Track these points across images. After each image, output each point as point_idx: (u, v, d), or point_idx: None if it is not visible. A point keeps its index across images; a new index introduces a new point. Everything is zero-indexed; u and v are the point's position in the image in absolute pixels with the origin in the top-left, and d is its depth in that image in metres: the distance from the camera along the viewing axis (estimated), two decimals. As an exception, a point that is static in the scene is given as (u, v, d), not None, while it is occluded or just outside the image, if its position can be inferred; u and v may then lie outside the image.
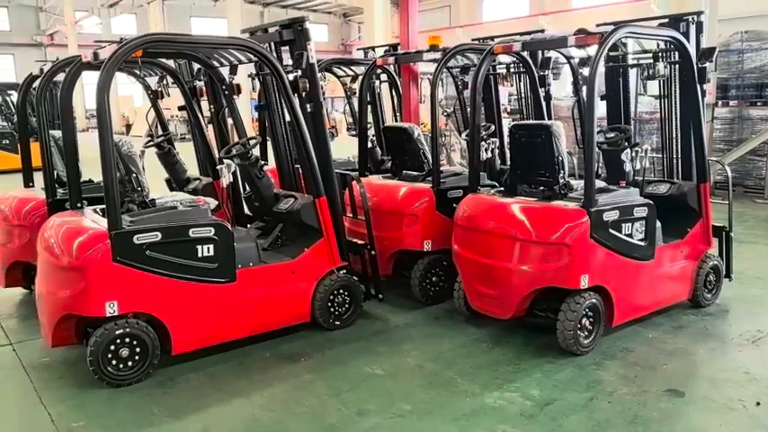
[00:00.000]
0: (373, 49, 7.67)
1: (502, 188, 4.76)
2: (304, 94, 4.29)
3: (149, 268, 3.67)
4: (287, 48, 4.56)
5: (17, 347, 4.37)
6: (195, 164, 6.09)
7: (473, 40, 5.86)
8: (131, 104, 34.16)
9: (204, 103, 5.56)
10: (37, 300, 4.01)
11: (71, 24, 33.46)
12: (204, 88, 5.44)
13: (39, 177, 5.30)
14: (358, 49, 7.81)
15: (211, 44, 4.21)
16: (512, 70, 6.19)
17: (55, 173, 5.07)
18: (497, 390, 3.61)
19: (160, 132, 5.97)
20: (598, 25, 4.62)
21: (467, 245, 4.41)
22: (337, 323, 4.50)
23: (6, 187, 5.75)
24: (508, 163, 5.86)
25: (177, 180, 5.89)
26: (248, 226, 5.06)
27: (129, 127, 30.03)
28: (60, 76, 4.93)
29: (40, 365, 4.05)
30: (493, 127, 6.03)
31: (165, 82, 5.80)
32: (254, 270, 4.14)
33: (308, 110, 4.40)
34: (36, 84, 5.30)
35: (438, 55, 5.33)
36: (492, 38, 6.08)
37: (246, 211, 5.33)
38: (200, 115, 5.39)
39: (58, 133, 5.13)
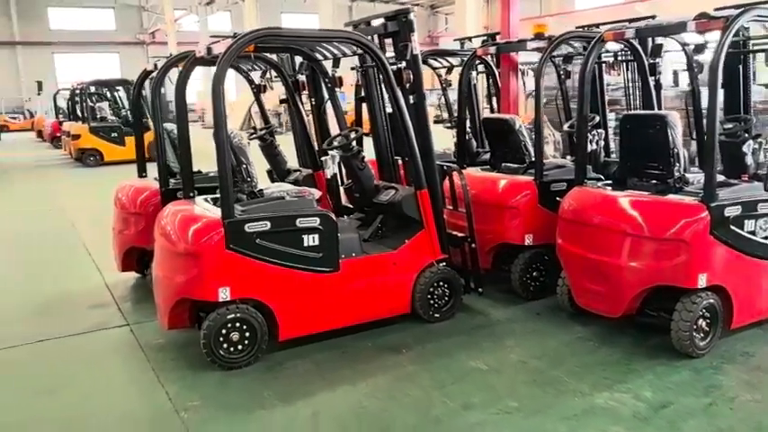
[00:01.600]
0: (470, 39, 7.56)
1: (609, 181, 4.58)
2: (408, 85, 4.28)
3: (259, 256, 3.79)
4: (389, 40, 4.58)
5: (134, 328, 4.63)
6: (294, 155, 6.24)
7: (577, 28, 5.64)
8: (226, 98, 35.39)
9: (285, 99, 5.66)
10: (154, 284, 4.23)
11: (171, 23, 35.05)
12: (306, 82, 5.55)
13: (150, 168, 5.59)
14: (454, 40, 7.71)
15: (320, 38, 4.28)
16: (619, 58, 5.92)
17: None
18: (607, 390, 3.48)
19: (260, 125, 6.14)
20: (717, 9, 4.33)
21: (573, 239, 4.28)
22: (437, 316, 4.48)
23: (116, 178, 6.11)
24: (613, 155, 5.65)
25: (278, 171, 6.04)
26: (348, 217, 5.13)
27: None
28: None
29: (156, 346, 4.27)
30: (597, 118, 5.80)
31: (267, 76, 5.96)
32: (356, 260, 4.19)
33: (411, 101, 4.39)
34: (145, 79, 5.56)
35: (542, 44, 5.18)
36: (596, 25, 5.84)
37: (344, 201, 5.41)
38: (301, 108, 5.51)
39: (169, 126, 5.38)
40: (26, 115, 36.01)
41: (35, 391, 3.71)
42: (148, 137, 6.11)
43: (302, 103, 5.57)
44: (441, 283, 4.49)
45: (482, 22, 12.85)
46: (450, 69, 7.31)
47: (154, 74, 5.52)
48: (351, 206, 5.32)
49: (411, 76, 4.27)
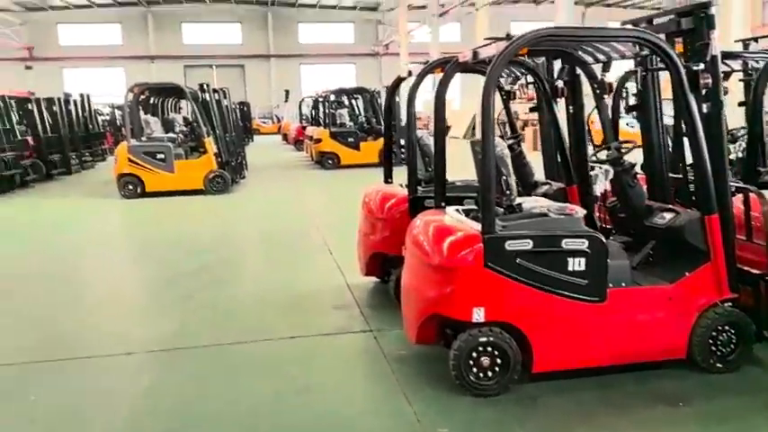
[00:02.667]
0: (756, 39, 6.49)
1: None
2: (704, 91, 3.64)
3: (518, 277, 3.45)
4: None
5: (377, 335, 4.59)
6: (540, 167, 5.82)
7: None
8: (450, 107, 36.14)
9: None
10: (402, 294, 4.13)
11: (404, 34, 36.61)
12: (565, 88, 5.11)
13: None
14: (736, 41, 6.68)
15: (604, 37, 3.83)
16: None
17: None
18: None
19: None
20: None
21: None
22: (719, 365, 3.75)
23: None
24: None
25: (525, 183, 5.67)
26: (609, 239, 4.58)
27: (447, 128, 31.66)
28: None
29: (399, 358, 4.16)
30: None
31: (520, 82, 5.64)
32: (625, 291, 3.66)
33: (704, 110, 3.73)
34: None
35: None
36: None
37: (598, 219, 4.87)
38: (558, 117, 5.08)
39: (419, 133, 5.31)
40: (274, 120, 40.26)
41: (295, 389, 3.79)
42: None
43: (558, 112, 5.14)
44: (726, 327, 3.75)
45: (749, 22, 11.15)
46: (726, 76, 6.31)
47: (409, 79, 5.52)
48: (610, 227, 4.76)
49: (709, 81, 3.62)
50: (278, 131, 36.87)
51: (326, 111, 17.96)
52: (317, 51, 42.19)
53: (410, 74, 5.52)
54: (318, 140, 17.08)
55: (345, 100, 20.10)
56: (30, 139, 15.25)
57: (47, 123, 16.05)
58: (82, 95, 19.49)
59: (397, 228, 4.99)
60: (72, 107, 17.76)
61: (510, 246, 3.45)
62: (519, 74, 5.47)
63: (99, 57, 39.97)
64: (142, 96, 13.49)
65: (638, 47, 3.91)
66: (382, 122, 17.31)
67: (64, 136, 16.54)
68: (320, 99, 19.81)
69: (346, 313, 5.09)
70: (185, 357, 4.34)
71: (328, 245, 7.52)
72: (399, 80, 5.84)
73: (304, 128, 23.53)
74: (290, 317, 5.08)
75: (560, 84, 5.15)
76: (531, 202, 4.04)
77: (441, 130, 4.56)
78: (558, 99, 5.16)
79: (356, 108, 19.69)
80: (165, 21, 40.40)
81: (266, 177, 15.35)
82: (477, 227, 3.58)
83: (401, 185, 5.59)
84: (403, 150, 17.30)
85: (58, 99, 16.88)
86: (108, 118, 24.99)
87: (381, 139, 17.39)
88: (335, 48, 42.37)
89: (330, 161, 16.73)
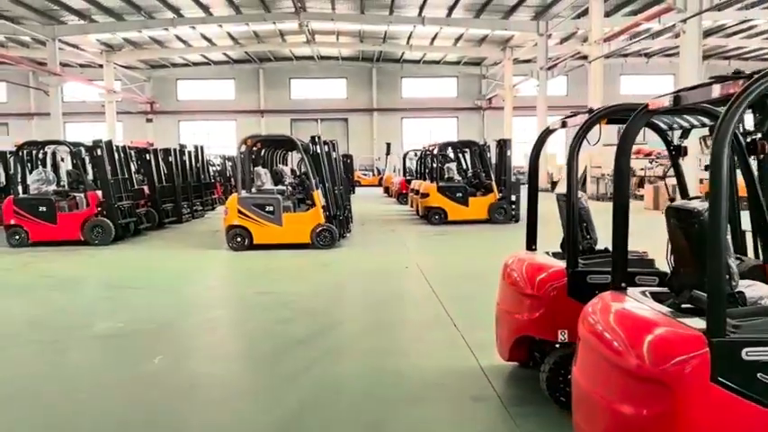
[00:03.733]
0: None
1: None
2: None
3: (763, 400, 2.51)
4: None
5: None
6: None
7: None
8: (555, 161, 34.90)
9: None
10: (577, 398, 3.24)
11: (509, 88, 36.06)
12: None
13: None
14: None
15: None
16: None
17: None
18: None
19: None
20: None
21: None
22: None
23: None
24: None
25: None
26: None
27: (554, 184, 30.44)
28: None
29: None
30: None
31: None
32: None
33: None
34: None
35: None
36: None
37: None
38: (755, 177, 4.10)
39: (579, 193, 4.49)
40: (374, 172, 40.45)
41: None
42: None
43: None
44: None
45: None
46: None
47: (558, 130, 4.75)
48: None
49: None
50: (378, 183, 36.90)
51: (434, 164, 17.43)
52: (419, 105, 42.39)
53: (564, 125, 4.74)
54: (426, 195, 16.50)
55: (451, 153, 19.55)
56: (146, 188, 15.65)
57: (162, 173, 16.49)
58: (196, 147, 20.08)
59: (553, 308, 4.16)
60: (186, 158, 18.24)
61: (749, 354, 2.52)
62: (694, 124, 4.55)
63: (213, 110, 42.09)
64: (254, 148, 13.47)
65: None
66: (492, 177, 16.56)
67: (177, 186, 16.91)
68: (427, 152, 19.36)
69: (487, 408, 4.24)
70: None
71: (450, 314, 6.71)
72: (548, 132, 5.05)
73: (408, 181, 23.13)
74: (419, 408, 4.29)
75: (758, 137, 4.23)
76: (757, 290, 3.09)
77: (623, 193, 3.67)
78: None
79: (464, 162, 19.05)
80: (274, 77, 42.08)
81: (372, 231, 14.86)
82: (690, 322, 2.69)
83: (548, 254, 4.77)
84: (513, 207, 16.47)
85: (174, 150, 17.37)
86: (218, 168, 25.74)
87: (491, 195, 16.66)
88: (437, 102, 42.41)
89: (437, 216, 16.06)
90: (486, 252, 11.52)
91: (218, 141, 40.53)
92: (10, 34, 29.67)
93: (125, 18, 28.94)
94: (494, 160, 17.24)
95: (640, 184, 25.28)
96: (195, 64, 40.92)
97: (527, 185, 4.64)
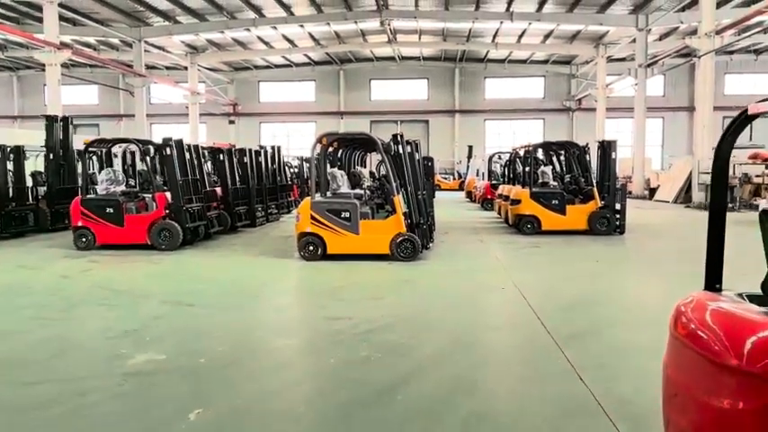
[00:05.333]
0: None
1: None
2: None
3: None
4: None
5: None
6: None
7: None
8: (650, 166, 32.27)
9: None
10: None
11: (602, 88, 33.69)
12: None
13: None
14: None
15: None
16: None
17: None
18: None
19: None
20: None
21: None
22: None
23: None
24: None
25: None
26: None
27: (652, 191, 27.91)
28: None
29: None
30: None
31: None
32: None
33: None
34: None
35: None
36: None
37: None
38: None
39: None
40: (455, 176, 38.91)
41: None
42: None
43: None
44: None
45: None
46: None
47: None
48: None
49: None
50: (459, 188, 35.37)
51: (526, 168, 15.74)
52: (503, 107, 40.53)
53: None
54: (517, 201, 14.86)
55: (541, 155, 17.80)
56: (218, 189, 14.87)
57: (236, 174, 15.71)
58: (273, 147, 19.32)
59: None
60: (262, 159, 17.44)
61: None
62: None
63: (294, 112, 41.81)
64: (330, 148, 12.33)
65: None
66: (593, 182, 14.70)
67: (252, 188, 16.10)
68: (518, 155, 17.69)
69: None
70: None
71: (569, 359, 5.22)
72: (748, 118, 3.48)
73: (494, 186, 21.52)
74: None
75: None
76: None
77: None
78: None
79: (560, 166, 17.26)
80: (355, 78, 41.34)
81: (458, 241, 13.38)
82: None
83: (741, 297, 3.21)
84: (618, 217, 14.51)
85: (249, 150, 16.59)
86: (296, 170, 25.02)
87: (591, 203, 14.73)
88: (523, 103, 40.38)
89: (529, 225, 14.41)
90: (594, 271, 9.86)
91: (298, 143, 40.18)
92: (100, 37, 30.22)
93: (208, 18, 28.82)
94: (593, 164, 15.42)
95: (756, 193, 22.51)
96: (277, 66, 40.78)
97: (709, 195, 3.12)
